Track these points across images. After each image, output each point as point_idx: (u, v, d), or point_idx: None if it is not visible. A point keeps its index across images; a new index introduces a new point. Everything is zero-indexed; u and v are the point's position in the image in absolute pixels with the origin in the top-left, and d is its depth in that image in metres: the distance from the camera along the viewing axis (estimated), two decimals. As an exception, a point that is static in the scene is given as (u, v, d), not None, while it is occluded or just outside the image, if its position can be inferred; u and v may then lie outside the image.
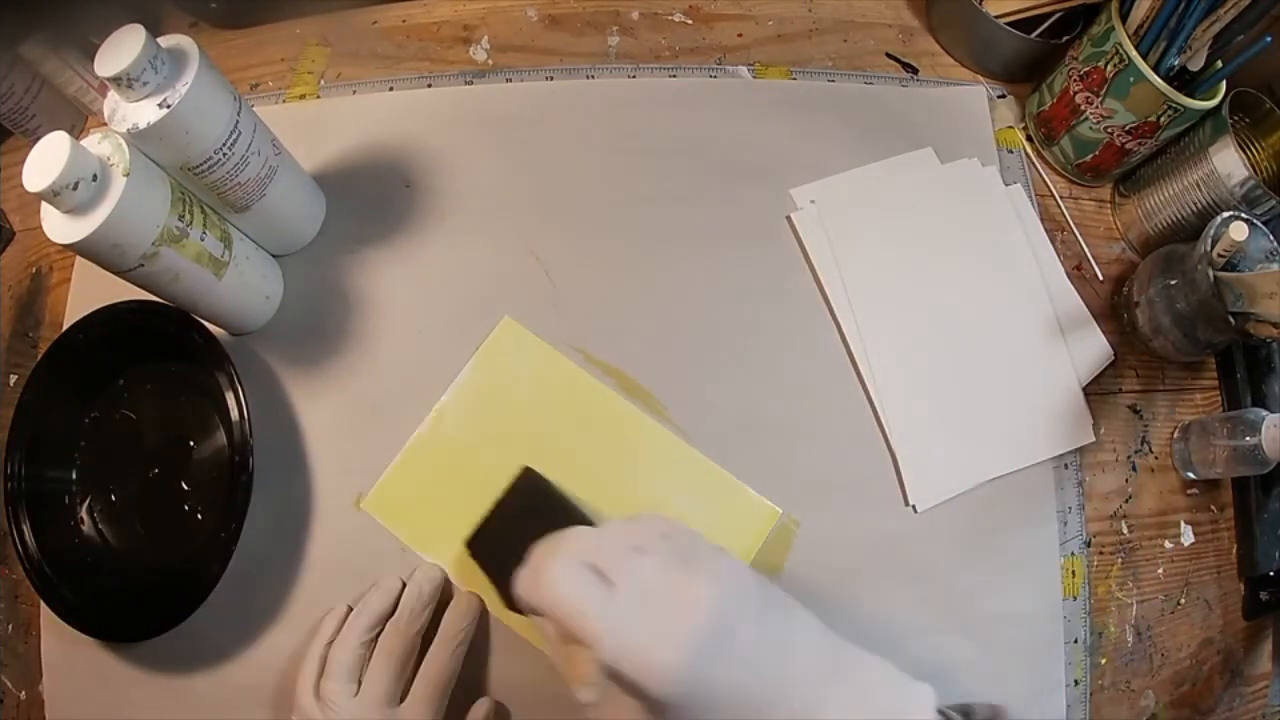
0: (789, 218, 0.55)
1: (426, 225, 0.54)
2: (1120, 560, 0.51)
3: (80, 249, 0.39)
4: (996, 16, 0.57)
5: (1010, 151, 0.59)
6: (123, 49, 0.38)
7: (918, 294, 0.54)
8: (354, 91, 0.59)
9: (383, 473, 0.49)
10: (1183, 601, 0.51)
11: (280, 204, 0.49)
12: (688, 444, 0.50)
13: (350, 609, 0.45)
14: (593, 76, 0.60)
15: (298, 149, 0.51)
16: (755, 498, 0.48)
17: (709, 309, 0.53)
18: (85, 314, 0.49)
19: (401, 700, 0.42)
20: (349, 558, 0.48)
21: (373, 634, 0.43)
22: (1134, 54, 0.49)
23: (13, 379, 0.55)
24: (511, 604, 0.37)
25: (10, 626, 0.50)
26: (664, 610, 0.30)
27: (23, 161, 0.37)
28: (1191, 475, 0.53)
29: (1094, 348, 0.54)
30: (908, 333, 0.53)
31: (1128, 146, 0.54)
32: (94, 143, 0.39)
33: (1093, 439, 0.52)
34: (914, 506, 0.49)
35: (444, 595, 0.46)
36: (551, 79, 0.60)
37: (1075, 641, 0.49)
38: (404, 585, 0.45)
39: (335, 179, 0.56)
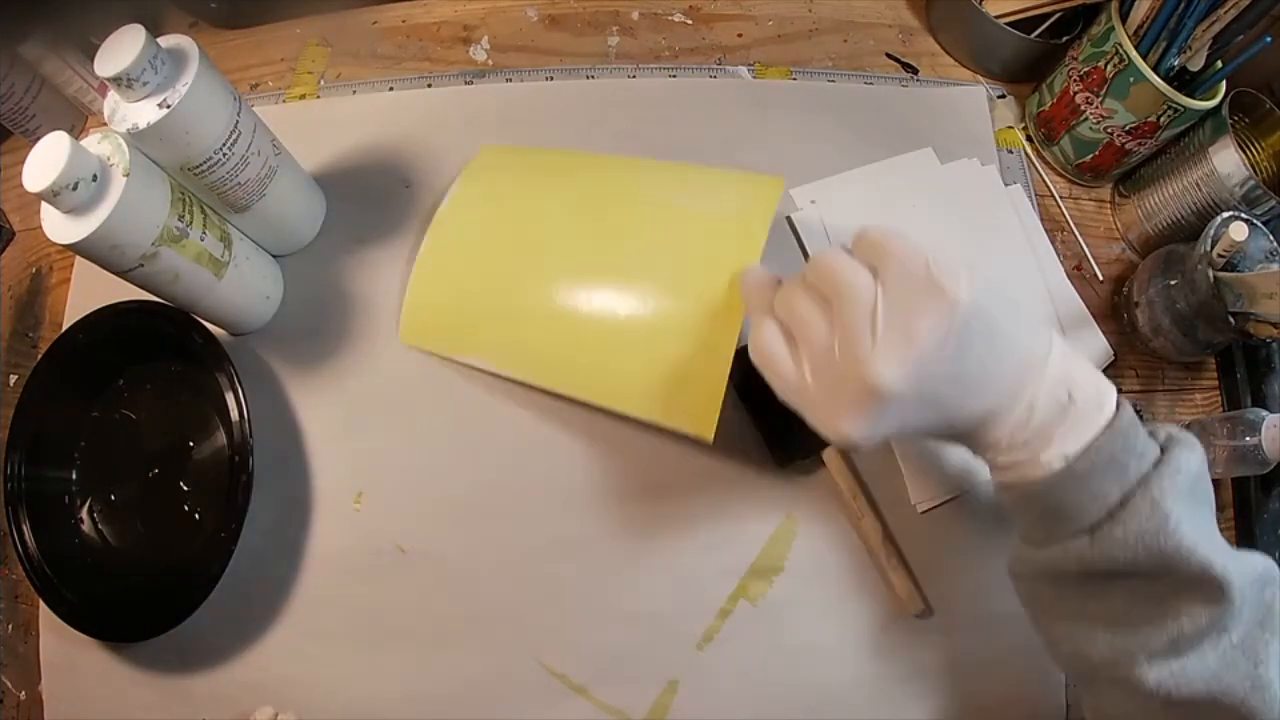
0: (789, 218, 0.55)
1: (427, 225, 0.54)
2: (1120, 560, 0.51)
3: (80, 249, 0.39)
4: (996, 16, 0.57)
5: (1010, 151, 0.60)
6: (123, 49, 0.38)
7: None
8: (354, 91, 0.59)
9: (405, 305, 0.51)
10: (1183, 601, 0.51)
11: (280, 204, 0.49)
12: (671, 162, 0.52)
13: None
14: (593, 76, 0.60)
15: (298, 149, 0.51)
16: (752, 175, 0.50)
17: (709, 309, 0.53)
18: (85, 314, 0.49)
19: None
20: (349, 558, 0.48)
21: None
22: (1134, 54, 0.49)
23: (13, 379, 0.55)
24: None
25: (10, 626, 0.50)
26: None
27: (23, 161, 0.37)
28: (1191, 475, 0.53)
29: (1094, 348, 0.54)
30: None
31: (1128, 146, 0.54)
32: (94, 143, 0.39)
33: None
34: (915, 506, 0.49)
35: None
36: (551, 79, 0.60)
37: (1075, 641, 0.49)
38: None
39: (335, 179, 0.56)
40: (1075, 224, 0.58)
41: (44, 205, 0.38)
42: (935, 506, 0.49)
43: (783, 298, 0.36)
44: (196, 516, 0.48)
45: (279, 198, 0.49)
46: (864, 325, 0.32)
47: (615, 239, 0.48)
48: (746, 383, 0.48)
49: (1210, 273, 0.47)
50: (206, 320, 0.49)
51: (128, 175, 0.39)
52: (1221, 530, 0.53)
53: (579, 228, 0.49)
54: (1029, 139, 0.60)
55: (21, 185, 0.37)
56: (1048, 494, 0.33)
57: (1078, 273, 0.57)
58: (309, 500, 0.49)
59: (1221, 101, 0.51)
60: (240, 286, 0.48)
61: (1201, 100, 0.50)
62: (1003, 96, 0.61)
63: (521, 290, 0.48)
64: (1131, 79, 0.50)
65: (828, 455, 0.48)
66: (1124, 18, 0.51)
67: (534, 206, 0.50)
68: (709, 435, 0.42)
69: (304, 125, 0.57)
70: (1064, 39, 0.57)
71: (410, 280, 0.51)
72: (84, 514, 0.49)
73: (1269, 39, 0.48)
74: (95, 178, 0.38)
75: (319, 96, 0.59)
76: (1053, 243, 0.56)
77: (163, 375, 0.51)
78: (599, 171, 0.52)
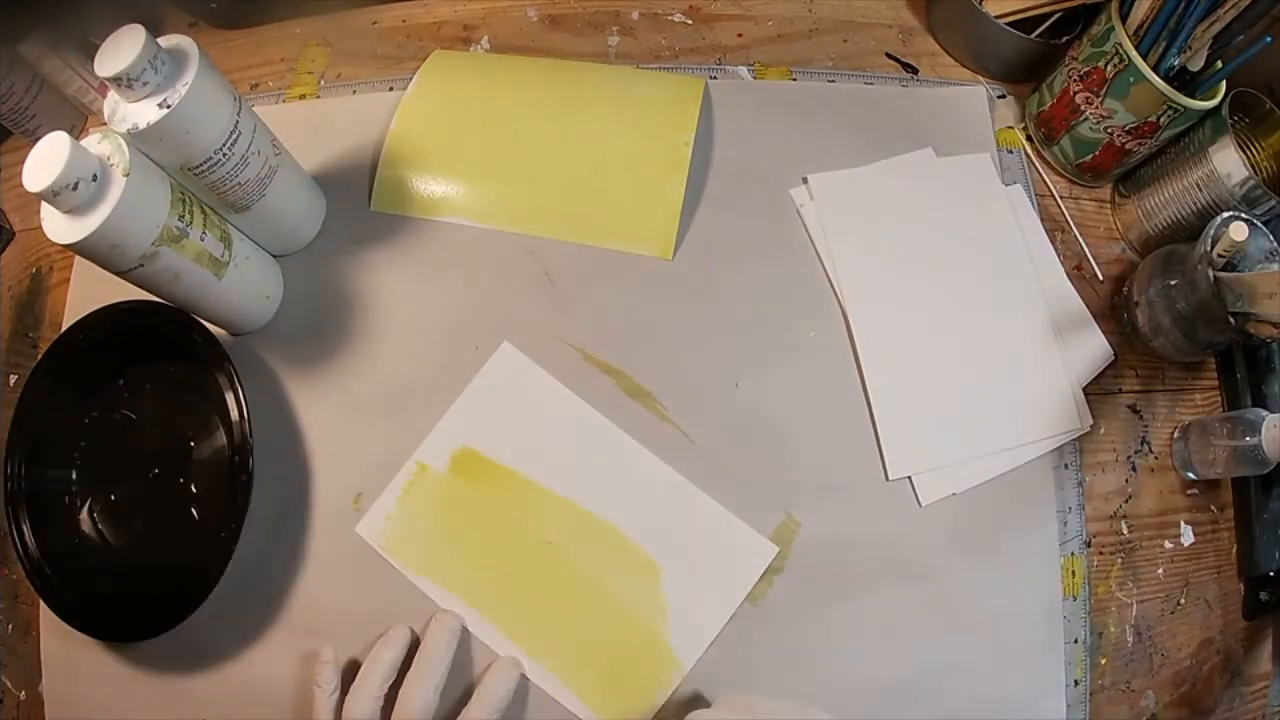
0: (799, 211, 0.55)
1: (427, 225, 0.54)
2: (1120, 560, 0.51)
3: (80, 249, 0.39)
4: (996, 16, 0.57)
5: (1010, 151, 0.59)
6: (123, 49, 0.38)
7: (916, 293, 0.54)
8: (354, 91, 0.59)
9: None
10: (1183, 601, 0.51)
11: (280, 204, 0.49)
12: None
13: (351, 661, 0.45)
14: (593, 76, 0.60)
15: (298, 149, 0.51)
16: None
17: (708, 308, 0.53)
18: (85, 314, 0.49)
19: None
20: (348, 558, 0.48)
21: (387, 687, 0.43)
22: (1134, 54, 0.49)
23: (13, 379, 0.55)
24: None
25: (10, 626, 0.50)
26: None
27: (23, 161, 0.37)
28: (1191, 475, 0.53)
29: (1094, 348, 0.54)
30: (906, 332, 0.53)
31: (1128, 146, 0.54)
32: (94, 143, 0.39)
33: (1091, 420, 0.52)
34: (919, 499, 0.49)
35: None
36: (551, 79, 0.60)
37: (1075, 641, 0.49)
38: (413, 634, 0.45)
39: (335, 179, 0.56)
40: (1075, 224, 0.58)
41: (44, 205, 0.38)
42: (935, 503, 0.49)
43: None
44: (196, 516, 0.48)
45: (279, 198, 0.49)
46: None
47: (570, 106, 0.56)
48: None
49: (1210, 273, 0.47)
50: (206, 320, 0.49)
51: (128, 175, 0.38)
52: (1221, 530, 0.53)
53: (537, 100, 0.56)
54: (1029, 139, 0.60)
55: (21, 185, 0.37)
56: None
57: (1078, 273, 0.57)
58: (309, 500, 0.49)
59: (1221, 101, 0.51)
60: (240, 286, 0.48)
61: (1201, 100, 0.50)
62: (1003, 96, 0.61)
63: (489, 154, 0.55)
64: (1131, 79, 0.50)
65: None
66: (1124, 18, 0.51)
67: (494, 86, 0.57)
68: (669, 254, 0.53)
69: (304, 125, 0.57)
70: (1064, 39, 0.57)
71: (382, 155, 0.55)
72: (84, 514, 0.49)
73: (1269, 39, 0.48)
74: (95, 178, 0.38)
75: (319, 96, 0.60)
76: (1053, 243, 0.56)
77: (163, 375, 0.51)
78: (547, 65, 0.59)
